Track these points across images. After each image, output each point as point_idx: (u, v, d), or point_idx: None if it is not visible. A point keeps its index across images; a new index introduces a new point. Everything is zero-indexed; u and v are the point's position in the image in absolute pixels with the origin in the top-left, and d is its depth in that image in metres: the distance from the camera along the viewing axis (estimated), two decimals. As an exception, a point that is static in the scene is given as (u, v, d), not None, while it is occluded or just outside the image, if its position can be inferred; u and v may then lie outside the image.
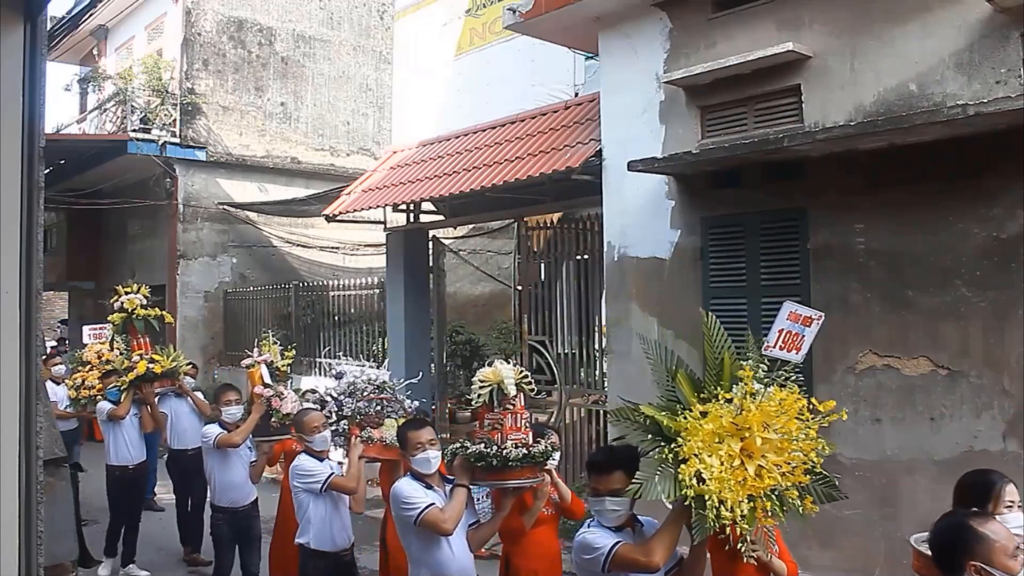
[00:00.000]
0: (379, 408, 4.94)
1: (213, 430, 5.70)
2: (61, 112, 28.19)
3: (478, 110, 9.48)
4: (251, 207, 14.23)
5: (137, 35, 15.90)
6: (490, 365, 3.76)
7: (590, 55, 8.31)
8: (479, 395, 3.67)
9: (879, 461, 5.16)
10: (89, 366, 8.03)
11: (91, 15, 14.56)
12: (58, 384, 8.76)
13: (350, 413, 4.86)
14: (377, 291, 11.08)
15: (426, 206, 9.77)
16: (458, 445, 3.75)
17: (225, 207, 14.38)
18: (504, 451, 3.50)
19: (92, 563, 7.08)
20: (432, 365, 9.90)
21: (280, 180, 14.94)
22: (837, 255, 5.38)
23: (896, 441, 5.12)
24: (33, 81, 1.63)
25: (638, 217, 6.48)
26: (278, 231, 14.91)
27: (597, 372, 8.03)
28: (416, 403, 5.23)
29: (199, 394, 7.72)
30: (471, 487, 3.64)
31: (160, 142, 13.71)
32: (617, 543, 2.93)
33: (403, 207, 9.56)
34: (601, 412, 7.27)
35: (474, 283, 13.32)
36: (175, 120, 14.02)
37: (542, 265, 9.07)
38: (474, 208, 9.21)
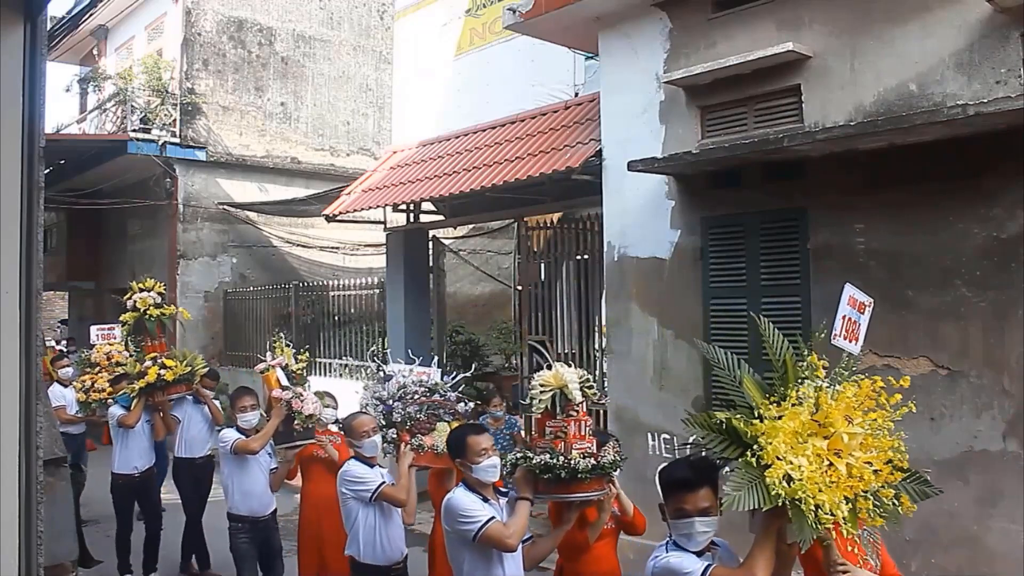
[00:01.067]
0: (431, 412, 4.63)
1: (230, 435, 5.35)
2: (61, 112, 28.23)
3: (478, 110, 9.48)
4: (251, 207, 14.23)
5: (137, 35, 15.90)
6: (549, 369, 3.53)
7: (590, 55, 8.30)
8: (540, 401, 3.43)
9: (879, 461, 5.15)
10: (98, 368, 7.86)
11: (91, 15, 14.55)
12: (66, 387, 8.47)
13: (400, 419, 4.54)
14: (377, 291, 11.08)
15: (426, 206, 9.77)
16: (519, 455, 3.50)
17: (225, 207, 14.38)
18: (571, 462, 3.28)
19: (92, 563, 7.06)
20: (432, 365, 9.89)
21: (280, 180, 14.94)
22: (837, 255, 5.38)
23: (896, 441, 5.11)
24: (33, 81, 1.63)
25: (638, 217, 6.48)
26: (278, 231, 14.91)
27: (597, 372, 8.03)
28: (469, 406, 4.90)
29: (216, 401, 7.42)
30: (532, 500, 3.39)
31: (160, 142, 13.71)
32: (709, 567, 2.68)
33: (403, 207, 9.56)
34: (601, 412, 7.26)
35: (474, 283, 13.32)
36: (175, 120, 14.02)
37: (542, 265, 9.07)
38: (474, 208, 9.21)
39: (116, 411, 6.79)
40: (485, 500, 3.37)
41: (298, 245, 14.94)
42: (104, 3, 14.36)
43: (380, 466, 4.45)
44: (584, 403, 3.47)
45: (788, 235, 5.62)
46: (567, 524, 3.50)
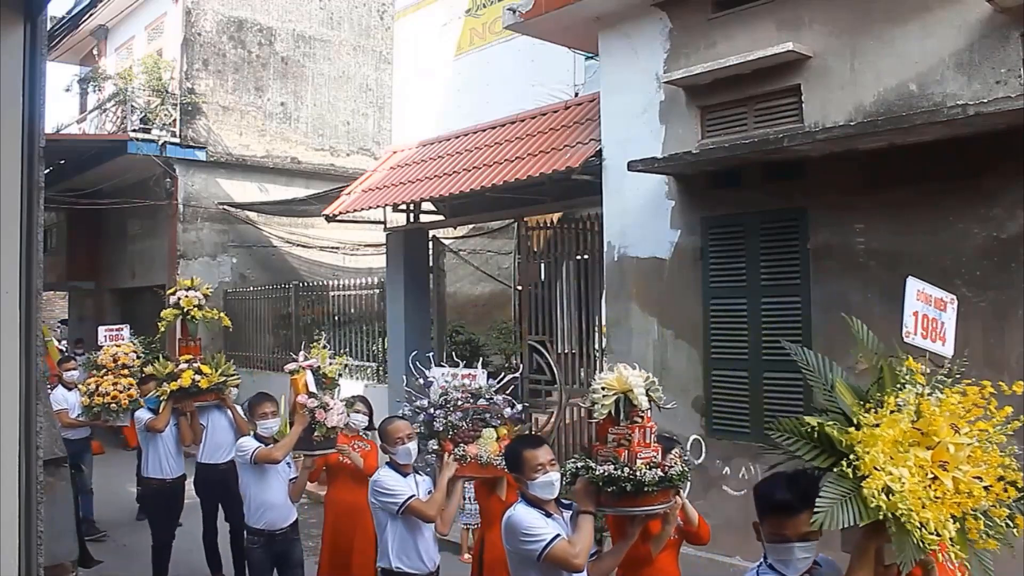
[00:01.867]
0: (477, 418, 4.27)
1: (250, 444, 5.04)
2: (61, 112, 28.22)
3: (478, 110, 9.48)
4: (251, 207, 14.23)
5: (137, 35, 15.90)
6: (610, 371, 3.30)
7: (590, 55, 8.30)
8: (602, 405, 3.18)
9: (879, 461, 5.15)
10: (104, 371, 7.63)
11: (91, 15, 14.56)
12: (70, 390, 8.11)
13: (442, 428, 4.21)
14: (377, 291, 11.08)
15: (426, 206, 9.77)
16: (579, 464, 3.25)
17: (225, 207, 14.38)
18: (638, 473, 3.05)
19: (92, 563, 7.04)
20: (432, 365, 9.89)
21: (280, 180, 14.95)
22: (837, 255, 5.38)
23: (896, 441, 5.11)
24: (33, 81, 1.63)
25: (638, 217, 6.48)
26: (278, 231, 14.91)
27: (597, 372, 8.01)
28: (518, 408, 4.52)
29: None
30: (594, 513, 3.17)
31: (160, 142, 13.72)
32: None
33: (403, 207, 9.56)
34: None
35: (474, 283, 13.31)
36: (175, 120, 14.03)
37: (542, 265, 9.07)
38: (474, 208, 9.21)
39: (144, 415, 6.49)
40: (548, 515, 3.17)
41: (298, 245, 14.94)
42: (104, 3, 14.36)
43: (418, 473, 4.27)
44: (650, 409, 3.21)
45: (788, 235, 5.62)
46: (631, 539, 3.27)
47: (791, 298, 5.58)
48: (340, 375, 5.48)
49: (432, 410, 4.27)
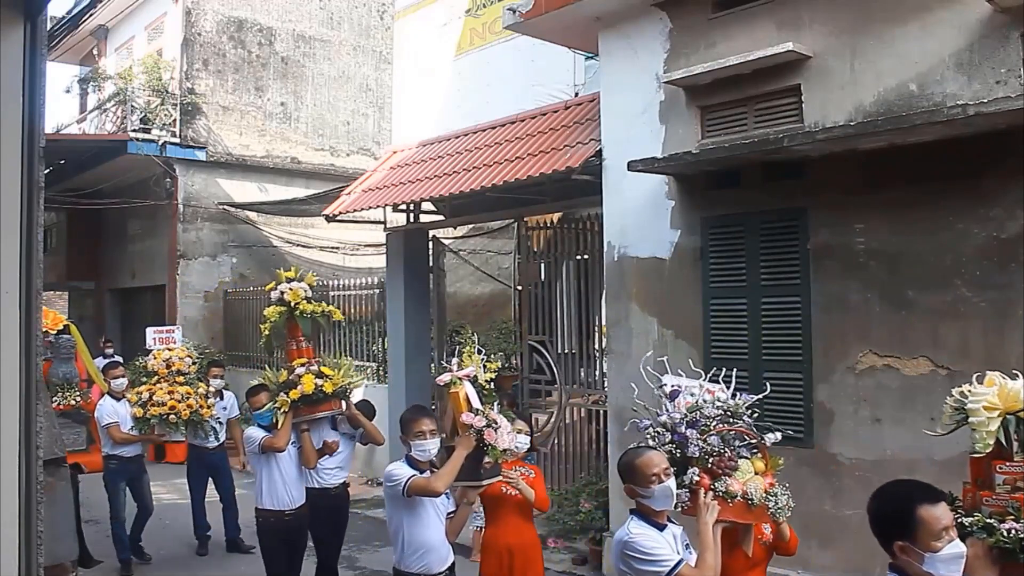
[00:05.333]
0: (736, 444, 3.44)
1: (403, 472, 3.99)
2: (61, 112, 28.21)
3: (478, 110, 9.48)
4: (251, 207, 14.24)
5: (137, 35, 15.90)
6: (977, 383, 2.62)
7: (590, 55, 8.30)
8: (986, 433, 2.43)
9: (879, 461, 5.15)
10: (156, 378, 6.94)
11: (91, 15, 14.58)
12: (118, 400, 7.06)
13: (697, 453, 3.31)
14: (377, 291, 11.08)
15: (426, 206, 9.77)
16: (970, 520, 2.50)
17: (225, 207, 14.38)
18: None
19: (92, 563, 7.01)
20: (432, 365, 9.91)
21: (280, 180, 14.95)
22: (837, 255, 5.38)
23: (896, 441, 5.11)
24: (33, 81, 1.63)
25: (638, 217, 6.48)
26: (278, 231, 14.91)
27: (597, 372, 8.03)
28: (777, 435, 3.55)
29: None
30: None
31: (160, 142, 13.72)
32: None
33: (403, 207, 9.56)
34: (601, 412, 7.26)
35: (474, 283, 13.32)
36: (175, 120, 14.03)
37: (542, 265, 9.07)
38: (474, 208, 9.22)
39: (256, 433, 5.38)
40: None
41: (298, 245, 14.94)
42: (104, 3, 14.38)
43: (673, 523, 3.23)
44: None
45: (788, 235, 5.62)
46: None
47: (791, 298, 5.58)
48: (492, 383, 4.47)
49: (684, 429, 3.38)
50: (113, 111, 14.66)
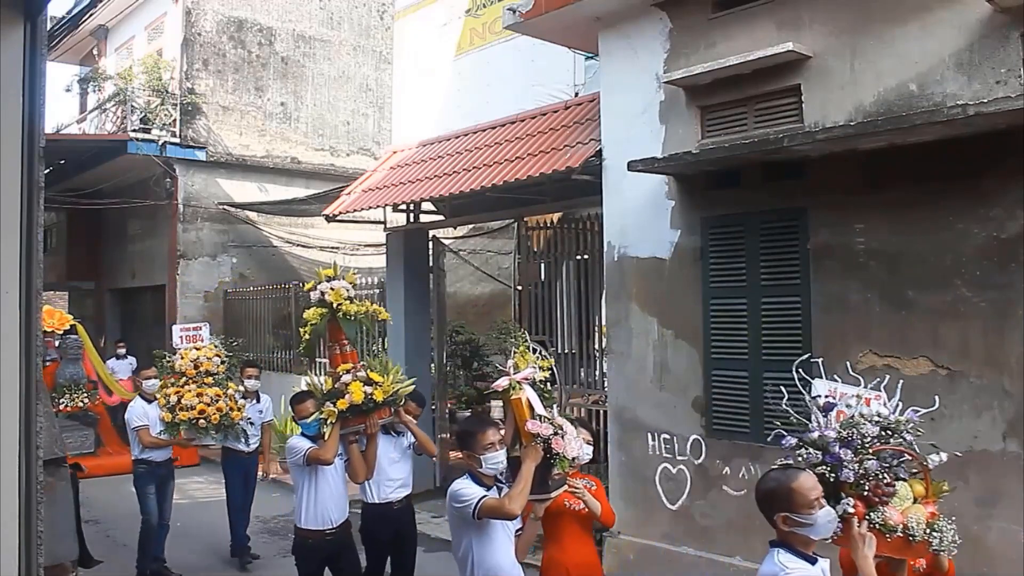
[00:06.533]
0: (897, 466, 3.01)
1: (472, 491, 3.60)
2: (61, 112, 28.17)
3: (478, 110, 9.48)
4: (251, 207, 14.25)
5: (137, 35, 15.91)
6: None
7: (590, 55, 8.31)
8: None
9: (879, 461, 5.15)
10: (184, 379, 6.62)
11: (91, 15, 14.58)
12: (150, 402, 6.84)
13: (852, 478, 2.90)
14: (377, 291, 11.08)
15: (426, 206, 9.77)
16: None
17: (225, 207, 14.39)
18: None
19: (92, 563, 6.97)
20: (432, 365, 9.91)
21: (280, 180, 14.96)
22: (837, 255, 5.38)
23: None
24: (33, 81, 1.63)
25: (638, 217, 6.48)
26: (278, 231, 14.92)
27: (597, 372, 8.03)
28: (943, 456, 3.11)
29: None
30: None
31: (160, 142, 13.73)
32: None
33: (403, 207, 9.56)
34: (601, 412, 7.26)
35: (474, 283, 13.32)
36: (175, 120, 14.04)
37: (542, 265, 9.08)
38: (474, 208, 9.22)
39: (301, 444, 5.04)
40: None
41: (298, 245, 14.95)
42: (104, 3, 14.38)
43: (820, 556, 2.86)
44: None
45: (788, 235, 5.62)
46: None
47: (791, 298, 5.58)
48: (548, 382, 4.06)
49: (839, 449, 2.93)
50: (113, 111, 14.67)
